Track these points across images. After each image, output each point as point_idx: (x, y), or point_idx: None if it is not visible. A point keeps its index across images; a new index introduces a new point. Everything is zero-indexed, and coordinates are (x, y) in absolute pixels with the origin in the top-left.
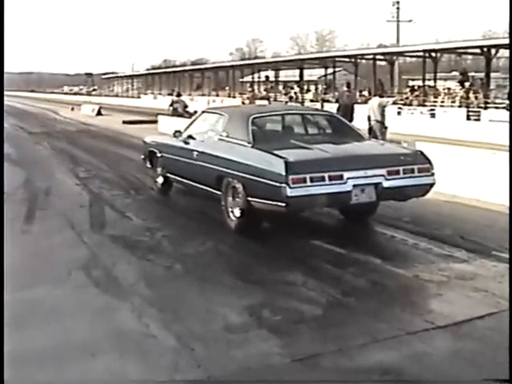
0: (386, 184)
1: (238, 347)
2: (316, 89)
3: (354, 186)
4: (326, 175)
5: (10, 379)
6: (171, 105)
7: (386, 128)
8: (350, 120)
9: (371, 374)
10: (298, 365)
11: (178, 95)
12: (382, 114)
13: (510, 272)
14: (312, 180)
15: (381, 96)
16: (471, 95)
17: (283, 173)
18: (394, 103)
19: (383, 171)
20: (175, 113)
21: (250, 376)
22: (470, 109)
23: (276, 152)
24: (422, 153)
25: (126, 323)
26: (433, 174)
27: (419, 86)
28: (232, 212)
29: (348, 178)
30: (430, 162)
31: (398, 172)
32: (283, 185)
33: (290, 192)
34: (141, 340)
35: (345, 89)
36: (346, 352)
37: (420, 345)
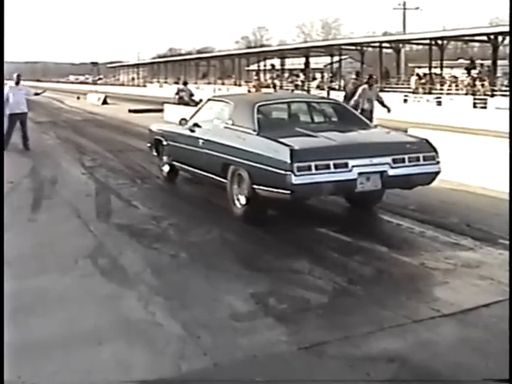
0: (391, 172)
1: (244, 335)
2: (322, 77)
3: (360, 173)
4: (331, 163)
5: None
6: (177, 93)
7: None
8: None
9: (377, 361)
10: (304, 353)
11: (185, 84)
12: (371, 104)
13: (509, 267)
14: (317, 168)
15: (370, 85)
16: (478, 83)
17: (288, 160)
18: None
19: (388, 159)
20: (181, 101)
21: (256, 364)
22: (477, 96)
23: (281, 140)
24: (427, 141)
25: (133, 311)
26: (438, 163)
27: (425, 74)
28: (238, 200)
29: (353, 166)
30: (435, 151)
31: (403, 160)
32: (288, 172)
33: (295, 180)
34: (147, 328)
35: (352, 77)
36: (352, 340)
37: (426, 333)
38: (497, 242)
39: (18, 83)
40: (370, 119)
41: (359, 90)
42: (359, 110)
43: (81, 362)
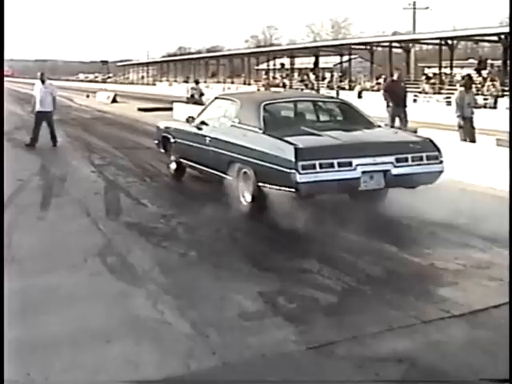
0: (394, 171)
1: (253, 334)
2: (331, 76)
3: (363, 172)
4: (336, 162)
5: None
6: (189, 92)
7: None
8: (405, 106)
9: (386, 362)
10: (313, 352)
11: (196, 82)
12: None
13: (509, 267)
14: (321, 166)
15: (468, 88)
16: (488, 83)
17: (293, 159)
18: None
19: (392, 158)
20: (192, 100)
21: (265, 363)
22: (487, 96)
23: (286, 138)
24: (430, 140)
25: (141, 310)
26: (441, 162)
27: (435, 74)
28: (243, 197)
29: (357, 165)
30: (438, 150)
31: (406, 159)
32: (293, 171)
33: (299, 178)
34: (156, 327)
35: (395, 78)
36: (361, 340)
37: (435, 333)
38: (506, 242)
39: (43, 82)
40: (472, 132)
41: (455, 95)
42: (461, 121)
43: (89, 360)
